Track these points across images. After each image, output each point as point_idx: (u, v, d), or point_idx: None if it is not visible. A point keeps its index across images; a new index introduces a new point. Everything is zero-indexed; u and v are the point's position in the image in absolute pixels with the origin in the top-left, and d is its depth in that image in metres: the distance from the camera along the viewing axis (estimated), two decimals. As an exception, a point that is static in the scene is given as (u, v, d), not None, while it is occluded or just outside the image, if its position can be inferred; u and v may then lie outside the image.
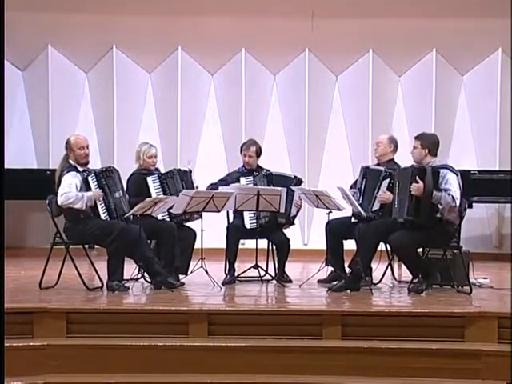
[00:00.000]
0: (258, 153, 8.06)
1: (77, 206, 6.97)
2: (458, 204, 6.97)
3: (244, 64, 10.53)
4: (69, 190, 6.97)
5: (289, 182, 7.88)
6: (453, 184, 6.98)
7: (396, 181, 7.19)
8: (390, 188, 7.30)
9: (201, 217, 7.71)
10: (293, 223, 8.07)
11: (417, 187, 6.92)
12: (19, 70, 10.65)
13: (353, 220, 7.56)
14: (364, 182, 7.61)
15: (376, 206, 7.40)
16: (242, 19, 10.27)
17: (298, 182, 8.03)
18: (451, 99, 10.58)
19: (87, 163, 7.20)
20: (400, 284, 7.72)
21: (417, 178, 6.93)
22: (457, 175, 7.08)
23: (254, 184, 7.87)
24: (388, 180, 7.33)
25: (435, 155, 7.20)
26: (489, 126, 10.43)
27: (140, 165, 7.82)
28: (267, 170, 8.06)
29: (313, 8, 10.19)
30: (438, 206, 6.94)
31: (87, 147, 7.22)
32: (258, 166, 8.11)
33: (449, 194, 6.92)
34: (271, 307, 6.88)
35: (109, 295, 6.93)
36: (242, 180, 7.92)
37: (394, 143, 7.84)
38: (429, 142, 7.20)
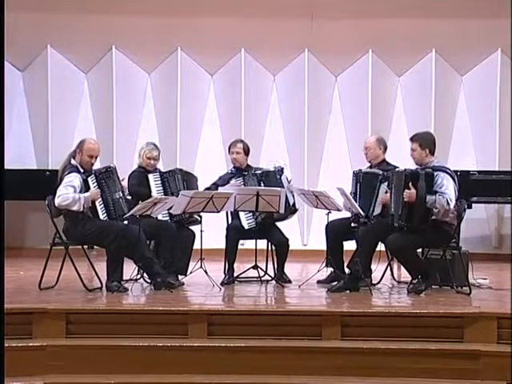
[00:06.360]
0: (246, 150, 8.03)
1: (74, 208, 6.96)
2: (452, 207, 6.94)
3: (244, 64, 10.53)
4: (66, 191, 6.96)
5: (273, 175, 7.82)
6: (448, 187, 6.95)
7: (391, 184, 7.17)
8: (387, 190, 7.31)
9: (200, 223, 7.73)
10: (296, 210, 8.02)
11: (409, 194, 6.89)
12: (19, 70, 10.64)
13: (352, 225, 7.55)
14: (358, 187, 7.60)
15: (377, 211, 7.39)
16: (241, 19, 10.27)
17: (280, 169, 7.92)
18: (451, 99, 10.58)
19: (89, 171, 7.19)
20: (399, 284, 7.72)
21: (409, 184, 6.90)
22: (453, 178, 7.04)
23: (245, 184, 7.86)
24: (386, 183, 7.31)
25: (434, 154, 7.19)
26: (488, 127, 10.43)
27: (140, 162, 7.86)
28: (256, 169, 8.05)
29: (312, 8, 10.20)
30: (434, 209, 6.92)
31: (96, 158, 7.22)
32: (248, 165, 8.10)
33: (443, 197, 6.89)
34: (271, 308, 6.89)
35: (108, 296, 6.92)
36: (233, 182, 7.90)
37: (382, 144, 7.82)
38: (427, 142, 7.17)
